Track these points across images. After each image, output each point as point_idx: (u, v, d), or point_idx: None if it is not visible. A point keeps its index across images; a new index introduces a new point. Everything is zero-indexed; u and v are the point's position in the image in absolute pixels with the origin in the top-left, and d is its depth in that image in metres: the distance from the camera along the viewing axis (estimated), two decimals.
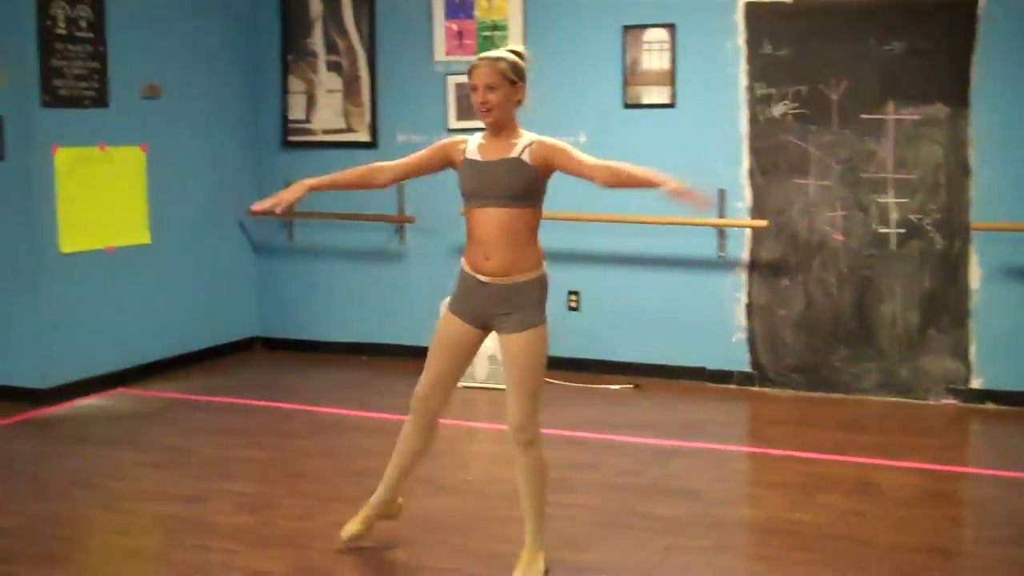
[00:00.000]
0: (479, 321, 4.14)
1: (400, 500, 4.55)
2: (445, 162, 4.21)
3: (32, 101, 6.53)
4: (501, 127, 4.07)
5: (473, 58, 4.19)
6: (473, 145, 4.13)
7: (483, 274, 4.07)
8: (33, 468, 5.58)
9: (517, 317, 4.04)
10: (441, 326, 4.22)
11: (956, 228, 6.59)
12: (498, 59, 4.05)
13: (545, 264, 4.15)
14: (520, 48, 4.18)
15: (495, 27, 7.45)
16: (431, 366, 4.23)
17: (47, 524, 4.79)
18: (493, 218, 4.01)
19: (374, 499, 4.44)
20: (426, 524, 4.73)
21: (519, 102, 4.10)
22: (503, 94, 4.02)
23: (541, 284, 4.12)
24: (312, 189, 4.27)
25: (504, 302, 4.06)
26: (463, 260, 4.17)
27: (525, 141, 4.06)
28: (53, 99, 6.61)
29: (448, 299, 4.25)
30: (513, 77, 4.05)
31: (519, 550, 4.17)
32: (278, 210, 4.33)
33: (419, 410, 4.30)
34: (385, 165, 4.30)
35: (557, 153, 4.02)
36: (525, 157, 4.01)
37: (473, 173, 4.07)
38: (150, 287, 7.35)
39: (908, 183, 6.65)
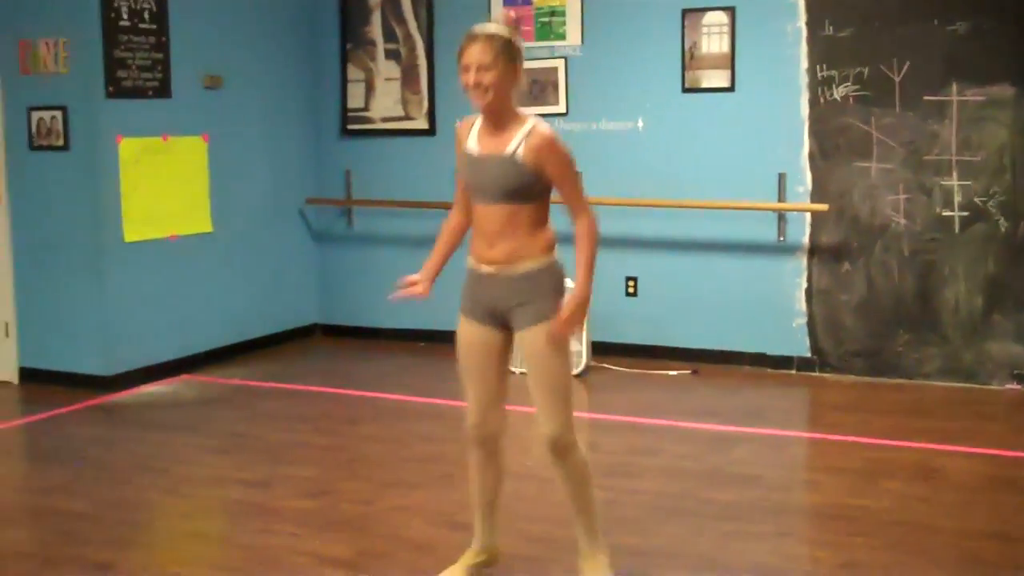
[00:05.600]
0: (495, 319, 3.79)
1: (497, 546, 4.10)
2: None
3: (97, 92, 6.62)
4: (498, 112, 3.66)
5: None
6: (475, 131, 3.76)
7: (488, 263, 3.74)
8: (99, 453, 5.67)
9: (532, 309, 3.69)
10: (460, 338, 3.87)
11: (1021, 211, 6.48)
12: (493, 35, 3.62)
13: (557, 252, 3.77)
14: (507, 31, 3.66)
15: (553, 13, 7.43)
16: (468, 388, 3.87)
17: (114, 508, 4.87)
18: (494, 214, 3.69)
19: (473, 547, 4.05)
20: None
21: (515, 83, 3.67)
22: (499, 75, 3.59)
23: (553, 272, 3.75)
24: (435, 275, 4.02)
25: (515, 293, 3.71)
26: (468, 254, 3.84)
27: (523, 132, 3.65)
28: (117, 90, 6.70)
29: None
30: (510, 56, 3.62)
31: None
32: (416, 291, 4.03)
33: (477, 439, 3.91)
34: (452, 206, 4.03)
35: (551, 165, 3.63)
36: (519, 155, 3.63)
37: (469, 167, 3.75)
38: (212, 275, 7.44)
39: (972, 165, 6.55)
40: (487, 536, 4.05)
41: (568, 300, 3.68)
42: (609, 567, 3.91)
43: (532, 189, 3.67)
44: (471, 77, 3.61)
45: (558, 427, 3.74)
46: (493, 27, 3.67)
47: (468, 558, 4.06)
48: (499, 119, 3.69)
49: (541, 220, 3.74)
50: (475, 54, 3.60)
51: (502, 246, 3.70)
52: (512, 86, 3.66)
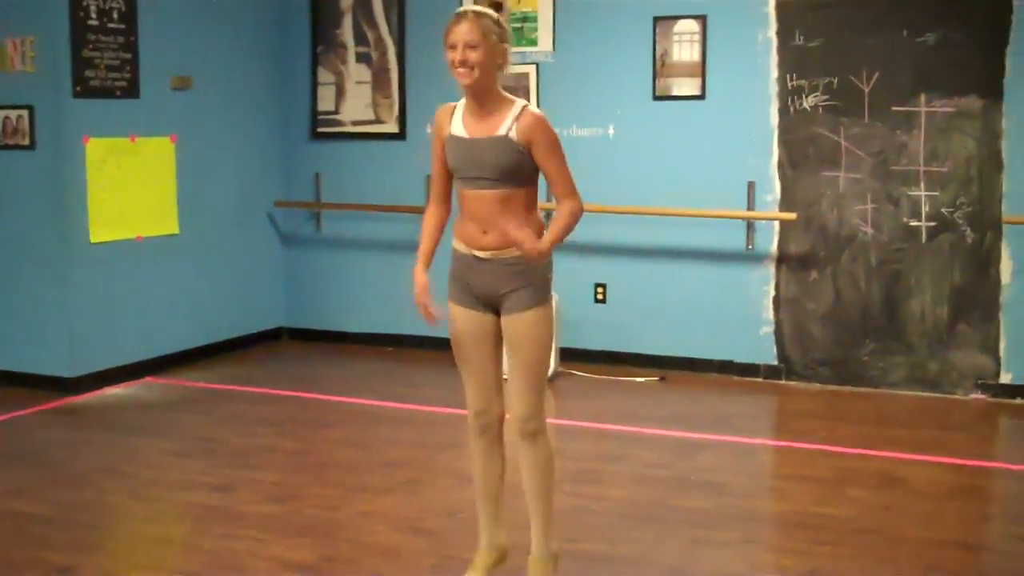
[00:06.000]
0: (485, 302, 3.79)
1: (505, 544, 4.07)
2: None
3: (64, 91, 6.56)
4: (483, 93, 3.66)
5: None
6: (458, 116, 3.76)
7: (481, 249, 3.73)
8: (62, 456, 5.62)
9: (523, 294, 3.71)
10: (453, 325, 3.86)
11: (988, 221, 6.53)
12: (480, 14, 3.65)
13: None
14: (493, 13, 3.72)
15: (525, 19, 7.43)
16: (467, 376, 3.89)
17: (77, 511, 4.82)
18: (487, 199, 3.68)
19: (482, 546, 4.03)
20: (452, 514, 4.74)
21: (501, 65, 3.69)
22: (485, 53, 3.60)
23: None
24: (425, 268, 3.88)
25: (508, 278, 3.71)
26: (455, 238, 3.83)
27: (513, 113, 3.68)
28: (85, 90, 6.64)
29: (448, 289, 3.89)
30: (496, 36, 3.64)
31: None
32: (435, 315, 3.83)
33: (481, 427, 3.92)
34: (431, 198, 3.94)
35: (540, 145, 3.67)
36: (512, 135, 3.65)
37: (458, 151, 3.72)
38: (178, 277, 7.38)
39: (939, 176, 6.60)
40: (494, 534, 4.03)
41: (537, 239, 3.61)
42: (555, 573, 3.97)
43: (526, 169, 3.69)
44: (457, 55, 3.62)
45: (531, 409, 3.80)
46: (480, 7, 3.72)
47: (480, 561, 4.01)
48: (484, 101, 3.69)
49: (532, 205, 3.76)
50: (462, 32, 3.61)
51: (497, 232, 3.67)
52: (498, 66, 3.68)
